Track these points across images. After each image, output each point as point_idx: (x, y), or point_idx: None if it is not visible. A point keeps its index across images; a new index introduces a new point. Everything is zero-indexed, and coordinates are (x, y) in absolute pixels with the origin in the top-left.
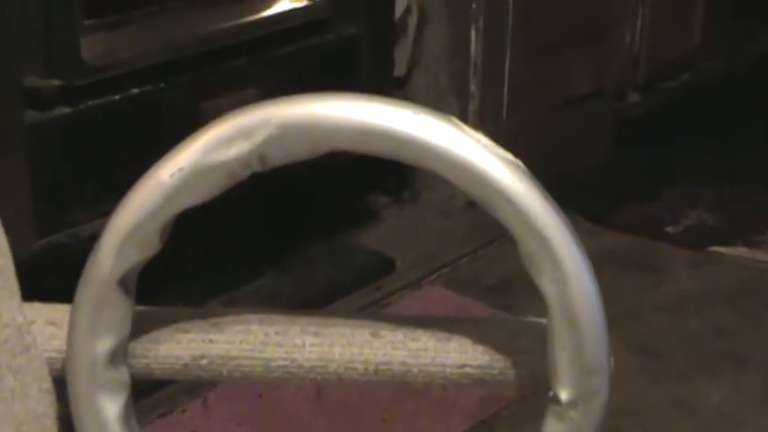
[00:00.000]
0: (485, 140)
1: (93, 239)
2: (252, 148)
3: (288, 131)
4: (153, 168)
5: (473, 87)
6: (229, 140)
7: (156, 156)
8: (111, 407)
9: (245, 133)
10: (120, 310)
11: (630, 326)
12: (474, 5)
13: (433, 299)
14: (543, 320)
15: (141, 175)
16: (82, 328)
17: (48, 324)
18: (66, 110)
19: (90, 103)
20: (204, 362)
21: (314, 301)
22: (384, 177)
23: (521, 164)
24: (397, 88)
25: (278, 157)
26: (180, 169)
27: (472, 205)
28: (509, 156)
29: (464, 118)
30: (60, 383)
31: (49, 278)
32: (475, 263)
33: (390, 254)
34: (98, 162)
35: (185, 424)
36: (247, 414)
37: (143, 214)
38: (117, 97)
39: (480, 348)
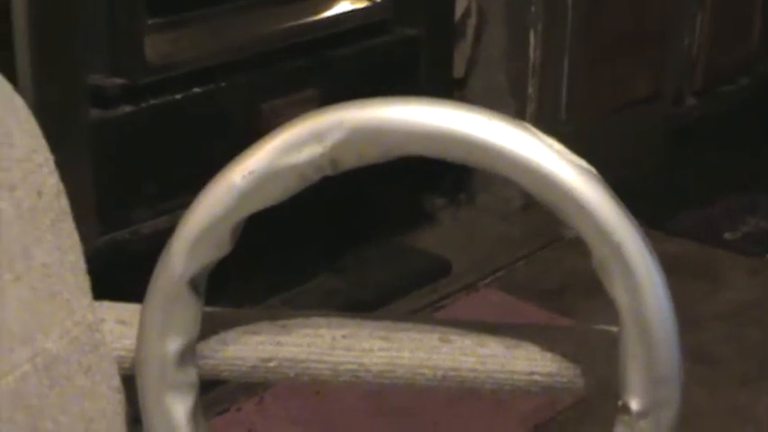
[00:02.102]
0: (558, 146)
1: (154, 237)
2: (324, 152)
3: (360, 135)
4: (225, 170)
5: (531, 90)
6: (301, 144)
7: (215, 154)
8: (180, 407)
9: (317, 137)
10: (191, 311)
11: (688, 333)
12: (533, 8)
13: (489, 302)
14: (612, 328)
15: (201, 173)
16: (152, 328)
17: (118, 323)
18: (128, 108)
19: (152, 101)
20: (272, 364)
21: (369, 302)
22: (441, 179)
23: (594, 170)
24: (456, 90)
25: (349, 161)
26: (251, 172)
27: (529, 208)
28: (583, 162)
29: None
30: (129, 382)
31: (111, 275)
32: (531, 266)
33: (446, 256)
34: (159, 160)
35: (241, 423)
36: (303, 412)
37: (214, 216)
38: (179, 96)
39: (549, 356)
